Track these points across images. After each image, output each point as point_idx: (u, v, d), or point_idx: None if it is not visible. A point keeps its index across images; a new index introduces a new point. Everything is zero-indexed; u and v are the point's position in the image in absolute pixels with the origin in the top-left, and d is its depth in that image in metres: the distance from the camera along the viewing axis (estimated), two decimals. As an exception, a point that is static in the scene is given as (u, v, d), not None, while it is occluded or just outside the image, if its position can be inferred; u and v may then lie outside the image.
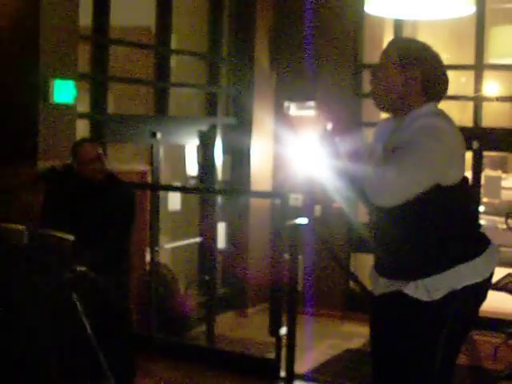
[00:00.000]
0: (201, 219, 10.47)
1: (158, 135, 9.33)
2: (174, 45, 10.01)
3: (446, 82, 3.43)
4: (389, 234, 3.38)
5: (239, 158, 10.67)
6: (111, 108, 9.23)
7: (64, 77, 7.50)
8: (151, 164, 9.53)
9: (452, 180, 3.29)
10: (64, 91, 7.52)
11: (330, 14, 10.03)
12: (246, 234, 10.67)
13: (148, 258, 8.34)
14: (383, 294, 3.44)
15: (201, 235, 10.42)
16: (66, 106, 7.57)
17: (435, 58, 3.40)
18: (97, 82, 8.47)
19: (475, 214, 3.65)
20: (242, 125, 10.53)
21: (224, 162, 10.55)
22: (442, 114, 3.40)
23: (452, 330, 3.37)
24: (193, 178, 10.49)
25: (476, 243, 3.40)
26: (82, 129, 8.41)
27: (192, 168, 10.50)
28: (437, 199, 3.23)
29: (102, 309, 5.09)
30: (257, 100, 10.55)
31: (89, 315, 4.85)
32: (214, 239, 10.42)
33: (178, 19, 9.99)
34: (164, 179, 10.01)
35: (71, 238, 4.62)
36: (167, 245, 9.96)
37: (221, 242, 10.71)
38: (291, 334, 5.56)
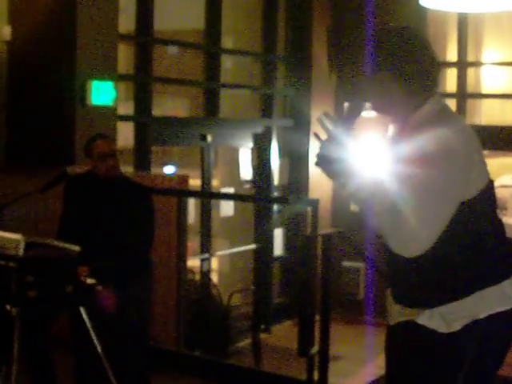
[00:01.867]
0: (256, 225, 10.12)
1: (209, 138, 9.03)
2: (228, 45, 9.72)
3: (431, 70, 2.84)
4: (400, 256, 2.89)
5: (297, 161, 10.26)
6: (165, 110, 8.99)
7: (103, 78, 7.25)
8: (202, 168, 9.26)
9: (474, 190, 2.75)
10: (103, 93, 7.27)
11: (390, 9, 9.57)
12: (312, 240, 10.23)
13: (190, 266, 8.03)
14: (397, 324, 2.94)
15: (256, 242, 10.06)
16: (105, 108, 7.32)
17: (414, 45, 2.82)
18: (140, 84, 8.19)
19: (502, 226, 2.99)
20: (300, 126, 10.12)
21: (281, 166, 10.19)
22: (444, 118, 2.81)
23: (474, 370, 2.85)
24: (247, 182, 10.13)
25: (503, 261, 2.84)
26: (127, 132, 8.17)
27: (246, 172, 10.15)
28: (458, 215, 2.72)
29: (113, 323, 4.76)
30: (315, 100, 10.15)
31: (99, 330, 4.54)
32: (269, 246, 10.09)
33: (232, 19, 9.69)
34: (217, 184, 9.74)
35: (76, 248, 4.30)
36: (219, 252, 9.62)
37: (277, 249, 10.34)
38: (324, 353, 5.11)
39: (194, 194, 6.72)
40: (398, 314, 2.89)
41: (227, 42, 9.80)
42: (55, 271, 4.24)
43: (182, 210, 5.91)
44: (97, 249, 4.72)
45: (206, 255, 9.05)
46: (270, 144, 9.88)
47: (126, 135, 8.23)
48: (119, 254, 4.77)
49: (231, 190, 10.03)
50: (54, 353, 4.91)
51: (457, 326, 2.74)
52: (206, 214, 9.15)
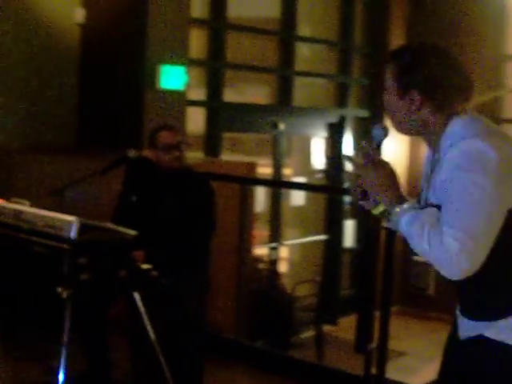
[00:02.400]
0: (327, 215, 9.98)
1: (281, 126, 8.92)
2: (305, 33, 9.58)
3: (462, 84, 2.65)
4: None
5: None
6: (237, 97, 8.91)
7: (174, 63, 7.21)
8: (273, 156, 9.17)
9: None
10: (173, 77, 7.23)
11: (469, 0, 9.31)
12: (376, 233, 10.06)
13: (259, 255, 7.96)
14: (467, 340, 2.73)
15: (326, 233, 9.93)
16: (176, 93, 7.28)
17: (443, 63, 2.62)
18: (212, 69, 8.13)
19: None
20: (375, 117, 9.91)
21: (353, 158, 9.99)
22: (476, 128, 2.61)
23: None
24: (319, 172, 9.99)
25: None
26: (198, 117, 8.13)
27: (319, 162, 10.01)
28: (508, 223, 2.55)
29: (167, 311, 4.70)
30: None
31: (154, 318, 4.49)
32: (339, 237, 9.95)
33: (308, 7, 9.55)
34: (289, 172, 9.63)
35: (132, 232, 4.23)
36: (287, 241, 9.51)
37: (348, 241, 10.19)
38: (382, 349, 4.96)
39: (257, 181, 6.61)
40: (465, 328, 2.75)
41: (303, 29, 9.66)
42: (109, 255, 4.17)
43: (245, 198, 5.80)
44: (153, 235, 4.66)
45: (275, 244, 8.95)
46: (343, 134, 9.72)
47: (196, 121, 8.20)
48: (176, 241, 4.69)
49: (302, 180, 9.89)
50: (114, 338, 4.91)
51: None
52: (275, 202, 9.06)
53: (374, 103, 9.99)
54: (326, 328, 8.99)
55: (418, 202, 2.69)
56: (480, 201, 2.45)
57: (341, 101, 9.91)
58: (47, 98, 7.31)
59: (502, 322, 2.61)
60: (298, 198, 9.79)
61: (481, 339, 2.66)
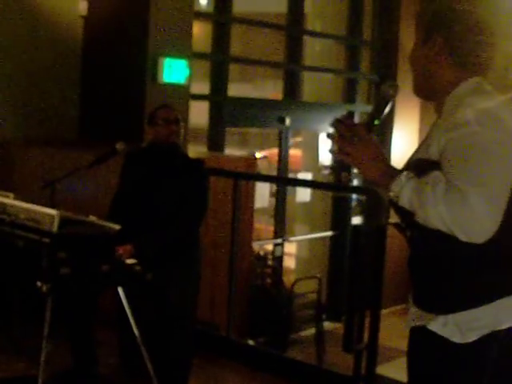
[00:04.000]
0: (333, 212, 9.90)
1: (287, 121, 8.85)
2: (313, 27, 9.50)
3: (486, 46, 2.52)
4: (421, 250, 2.61)
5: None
6: (243, 91, 8.85)
7: (176, 56, 7.16)
8: (279, 151, 9.10)
9: None
10: (175, 70, 7.18)
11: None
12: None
13: (254, 250, 7.90)
14: (413, 328, 2.60)
15: (332, 229, 9.85)
16: (178, 86, 7.23)
17: (465, 15, 2.51)
18: (216, 63, 8.07)
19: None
20: (383, 113, 9.81)
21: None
22: (483, 93, 2.50)
23: None
24: (326, 168, 9.92)
25: None
26: (200, 111, 8.08)
27: (326, 158, 9.94)
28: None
29: (152, 307, 4.65)
30: (400, 87, 9.81)
31: (138, 313, 4.45)
32: (345, 234, 9.86)
33: (317, 2, 9.48)
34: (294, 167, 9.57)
35: (116, 226, 4.20)
36: (292, 237, 9.46)
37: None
38: (372, 349, 4.88)
39: (250, 176, 6.54)
40: (413, 317, 2.64)
41: (312, 24, 9.59)
42: (90, 249, 4.14)
43: (238, 193, 5.75)
44: (147, 224, 4.63)
45: (279, 240, 8.89)
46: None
47: (200, 115, 8.15)
48: (166, 228, 4.63)
49: (309, 176, 9.82)
50: (104, 332, 4.88)
51: (472, 337, 2.43)
52: (280, 198, 8.99)
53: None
54: (330, 325, 8.92)
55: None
56: (499, 158, 2.33)
57: (349, 96, 9.82)
58: (49, 91, 7.29)
59: (450, 317, 2.47)
60: (304, 193, 9.71)
61: (424, 331, 2.52)
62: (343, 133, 2.52)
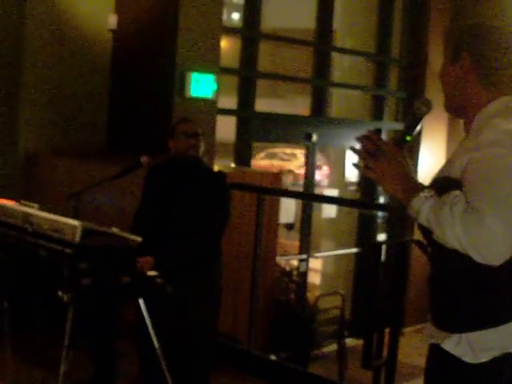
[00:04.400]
0: (359, 229, 9.89)
1: (314, 137, 8.87)
2: (343, 44, 9.52)
3: (508, 66, 2.53)
4: (439, 267, 2.60)
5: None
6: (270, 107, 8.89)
7: (204, 70, 7.21)
8: (305, 167, 9.12)
9: None
10: (203, 85, 7.23)
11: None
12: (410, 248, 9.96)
13: (279, 265, 7.90)
14: (430, 346, 2.58)
15: (358, 246, 9.83)
16: (205, 101, 7.28)
17: (493, 33, 2.54)
18: (244, 78, 8.12)
19: None
20: (413, 131, 9.80)
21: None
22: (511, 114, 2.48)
23: None
24: (353, 184, 9.92)
25: None
26: (227, 126, 8.12)
27: (352, 174, 9.94)
28: None
29: (173, 320, 4.66)
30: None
31: (160, 325, 4.46)
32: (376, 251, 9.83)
33: (346, 19, 9.51)
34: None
35: (138, 239, 4.23)
36: (317, 253, 9.45)
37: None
38: (391, 366, 4.87)
39: (274, 191, 6.55)
40: (429, 334, 2.63)
41: (341, 40, 9.62)
42: (111, 260, 4.16)
43: (262, 208, 5.76)
44: (168, 236, 4.64)
45: (304, 256, 8.89)
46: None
47: (228, 129, 8.20)
48: (186, 240, 4.63)
49: (335, 192, 9.82)
50: (125, 344, 4.90)
51: (483, 358, 2.43)
52: (305, 214, 9.00)
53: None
54: (353, 342, 8.89)
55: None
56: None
57: (377, 113, 9.82)
58: (77, 103, 7.37)
59: (463, 337, 2.46)
60: (329, 209, 9.71)
61: (438, 349, 2.52)
62: (367, 148, 2.53)
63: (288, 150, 20.13)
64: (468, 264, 2.33)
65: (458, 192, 2.35)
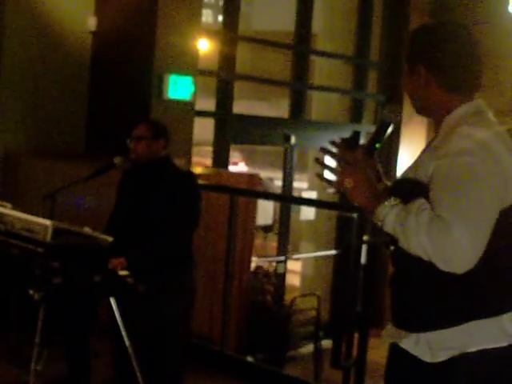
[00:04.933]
0: (338, 230, 9.95)
1: (293, 139, 8.92)
2: (321, 47, 9.58)
3: (471, 66, 2.54)
4: (399, 266, 2.58)
5: (384, 169, 9.99)
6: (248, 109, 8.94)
7: (182, 72, 7.26)
8: (284, 169, 9.17)
9: (509, 201, 2.42)
10: (180, 87, 7.28)
11: (492, 12, 9.26)
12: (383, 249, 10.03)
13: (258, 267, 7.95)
14: (391, 345, 2.60)
15: (337, 247, 9.89)
16: (183, 103, 7.33)
17: (446, 39, 2.53)
18: (222, 80, 8.17)
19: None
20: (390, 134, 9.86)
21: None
22: (480, 120, 2.51)
23: None
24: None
25: (510, 291, 2.48)
26: (204, 127, 8.17)
27: (331, 176, 9.97)
28: None
29: (143, 318, 4.69)
30: (407, 108, 9.87)
31: (130, 325, 4.50)
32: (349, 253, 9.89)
33: (326, 21, 9.58)
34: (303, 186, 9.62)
35: (109, 238, 4.28)
36: (295, 255, 9.51)
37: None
38: (360, 366, 4.92)
39: (247, 193, 6.58)
40: (387, 333, 2.67)
41: (321, 44, 9.68)
42: (82, 259, 4.22)
43: (235, 209, 5.80)
44: (139, 237, 4.66)
45: (282, 258, 8.94)
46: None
47: (206, 131, 8.25)
48: (158, 240, 4.64)
49: (314, 194, 9.87)
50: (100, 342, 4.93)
51: (442, 357, 2.44)
52: (283, 216, 9.05)
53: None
54: (330, 343, 8.93)
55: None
56: (489, 189, 2.34)
57: (356, 116, 9.89)
58: (57, 104, 7.40)
59: (421, 336, 2.48)
60: (308, 211, 9.77)
61: (397, 348, 2.55)
62: (334, 156, 2.58)
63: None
64: (426, 264, 2.36)
65: (423, 200, 2.37)
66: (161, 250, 4.66)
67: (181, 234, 4.76)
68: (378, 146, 2.61)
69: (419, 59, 2.57)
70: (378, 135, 2.60)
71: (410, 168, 2.60)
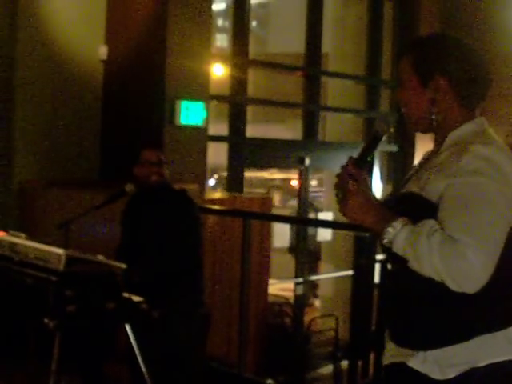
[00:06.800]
0: (355, 251, 9.92)
1: (307, 161, 8.93)
2: (333, 68, 9.61)
3: (484, 82, 2.52)
4: (402, 284, 2.52)
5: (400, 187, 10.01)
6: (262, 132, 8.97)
7: (194, 98, 7.31)
8: (298, 191, 9.19)
9: None
10: (192, 113, 7.33)
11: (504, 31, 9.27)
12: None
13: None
14: (392, 364, 2.57)
15: (354, 268, 9.86)
16: (195, 128, 7.37)
17: (467, 53, 2.49)
18: (235, 105, 8.21)
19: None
20: (404, 152, 9.89)
21: (383, 192, 9.97)
22: (486, 138, 2.48)
23: None
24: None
25: None
26: (219, 152, 8.20)
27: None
28: None
29: (158, 344, 4.71)
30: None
31: (146, 351, 4.51)
32: (366, 273, 9.87)
33: (336, 42, 9.62)
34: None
35: (122, 265, 4.30)
36: (312, 277, 9.50)
37: (377, 277, 10.10)
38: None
39: (260, 216, 6.60)
40: (391, 353, 2.64)
41: (332, 64, 9.72)
42: (96, 287, 4.23)
43: (248, 232, 5.80)
44: (141, 263, 4.70)
45: (300, 279, 8.94)
46: (372, 169, 9.68)
47: (219, 156, 8.28)
48: (158, 265, 4.68)
49: (330, 215, 9.87)
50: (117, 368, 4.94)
51: (451, 373, 2.41)
52: (300, 238, 9.06)
53: (403, 138, 9.95)
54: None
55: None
56: (500, 209, 2.32)
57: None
58: (70, 133, 7.45)
59: (429, 354, 2.45)
60: (325, 232, 9.76)
61: (403, 367, 2.51)
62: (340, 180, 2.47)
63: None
64: (431, 281, 2.33)
65: (433, 221, 2.33)
66: (157, 271, 4.70)
67: (182, 260, 4.80)
68: (369, 159, 2.51)
69: (438, 68, 2.50)
70: (369, 148, 2.51)
71: (413, 182, 2.53)
